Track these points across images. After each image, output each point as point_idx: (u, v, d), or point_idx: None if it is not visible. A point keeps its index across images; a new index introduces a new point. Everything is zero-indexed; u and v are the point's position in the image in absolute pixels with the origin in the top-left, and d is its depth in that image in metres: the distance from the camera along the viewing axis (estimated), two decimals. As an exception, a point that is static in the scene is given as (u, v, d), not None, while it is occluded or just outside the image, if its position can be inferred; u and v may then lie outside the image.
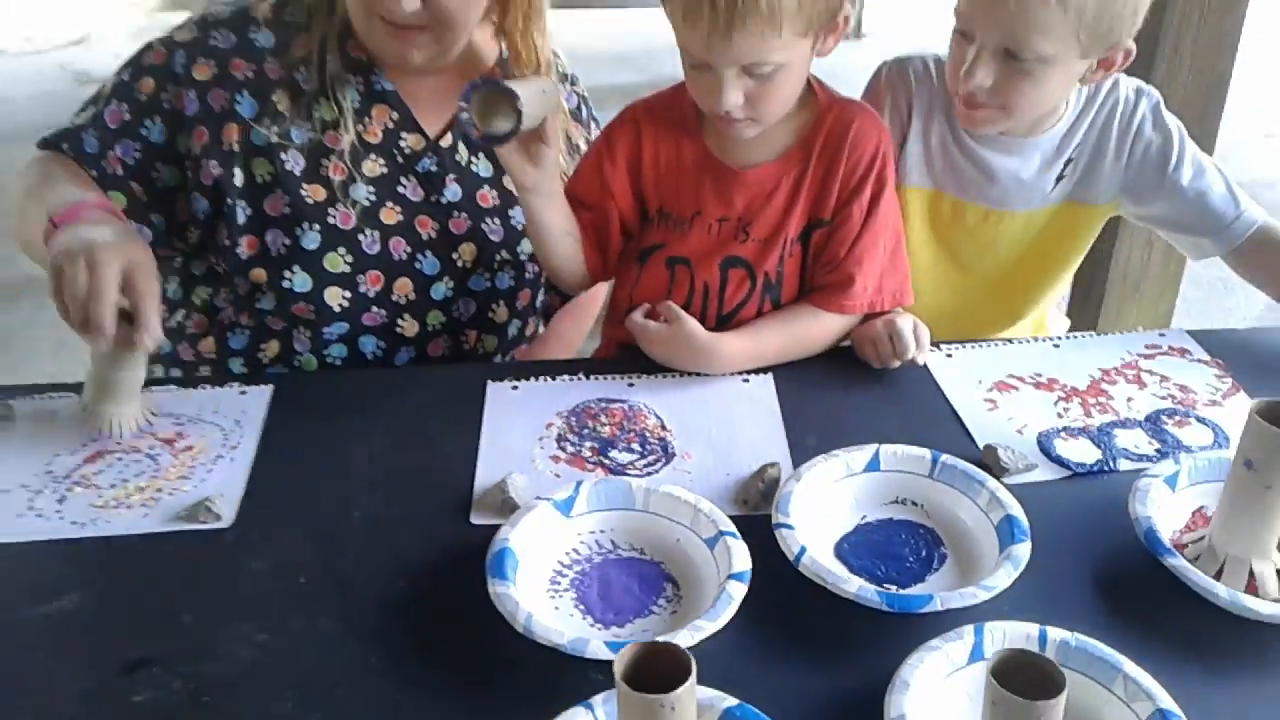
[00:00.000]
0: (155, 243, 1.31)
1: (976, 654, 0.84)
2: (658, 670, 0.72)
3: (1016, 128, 1.31)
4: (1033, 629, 0.86)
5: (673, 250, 1.28)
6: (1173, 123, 1.35)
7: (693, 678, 0.71)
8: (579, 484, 1.01)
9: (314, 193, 1.29)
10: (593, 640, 0.86)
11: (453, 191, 1.36)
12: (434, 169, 1.35)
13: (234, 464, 1.10)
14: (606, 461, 1.10)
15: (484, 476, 1.08)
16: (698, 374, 1.23)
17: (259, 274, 1.31)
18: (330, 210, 1.30)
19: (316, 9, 1.31)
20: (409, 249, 1.34)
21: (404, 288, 1.35)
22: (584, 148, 1.43)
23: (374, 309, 1.34)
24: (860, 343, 1.26)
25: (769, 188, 1.25)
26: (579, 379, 1.24)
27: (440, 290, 1.37)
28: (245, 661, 0.88)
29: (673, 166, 1.27)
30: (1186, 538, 1.00)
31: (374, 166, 1.32)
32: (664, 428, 1.15)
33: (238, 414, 1.17)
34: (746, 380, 1.22)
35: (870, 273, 1.24)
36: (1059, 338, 1.31)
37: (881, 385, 1.23)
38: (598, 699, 0.81)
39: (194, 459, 1.10)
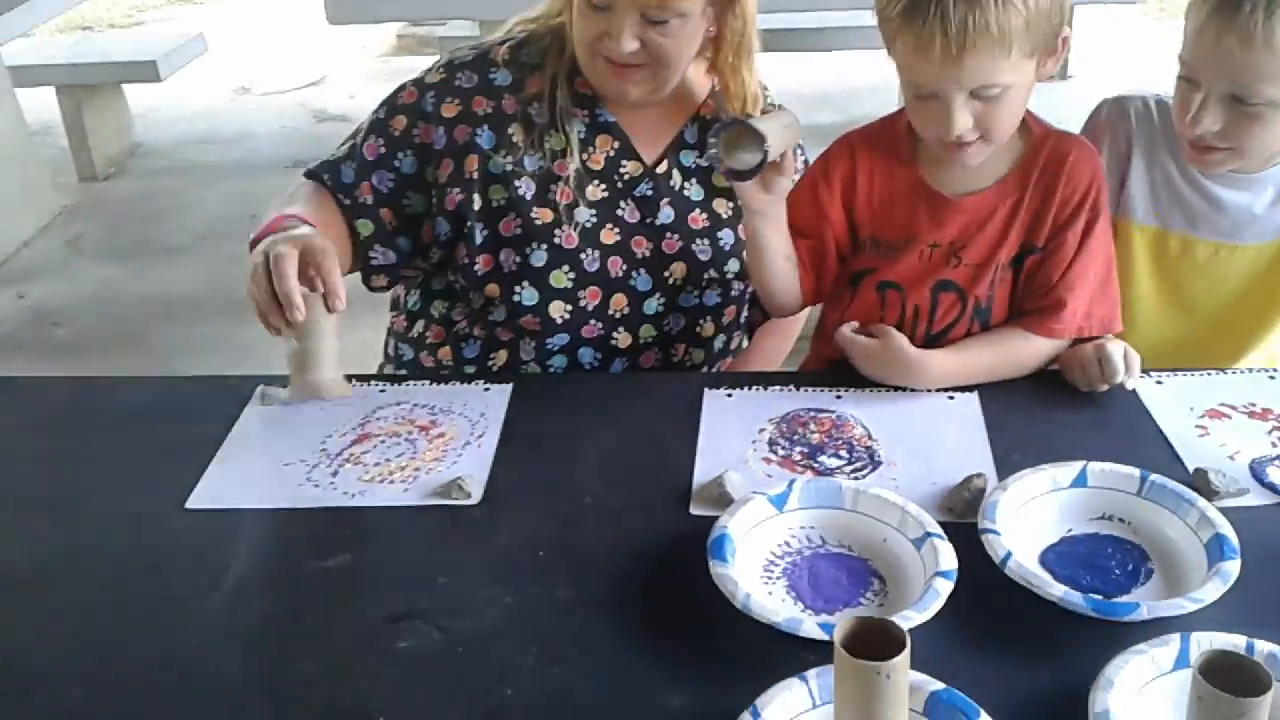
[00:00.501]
0: (400, 263, 1.47)
1: (1182, 661, 0.87)
2: (873, 645, 0.78)
3: (1247, 166, 1.32)
4: (1240, 639, 0.88)
5: (884, 275, 1.34)
6: None
7: (907, 650, 0.78)
8: (792, 481, 1.09)
9: (543, 215, 1.42)
10: (806, 621, 0.93)
11: (666, 214, 1.46)
12: (650, 193, 1.46)
13: (480, 450, 1.22)
14: (815, 465, 1.17)
15: (702, 473, 1.17)
16: (904, 389, 1.29)
17: (493, 289, 1.44)
18: (556, 231, 1.42)
19: (549, 50, 1.44)
20: (625, 267, 1.45)
21: (619, 303, 1.46)
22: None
23: (592, 322, 1.45)
24: (1069, 365, 1.29)
25: (984, 215, 1.30)
26: (789, 390, 1.31)
27: (652, 306, 1.47)
28: (493, 619, 0.99)
29: (887, 194, 1.34)
30: (1407, 569, 0.99)
31: (596, 191, 1.44)
32: (870, 438, 1.22)
33: (483, 408, 1.30)
34: (952, 397, 1.27)
35: (1081, 299, 1.28)
36: (1275, 370, 1.30)
37: (1089, 407, 1.26)
38: (811, 673, 0.88)
39: (446, 444, 1.24)
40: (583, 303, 1.44)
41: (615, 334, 1.47)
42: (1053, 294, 1.28)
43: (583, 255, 1.43)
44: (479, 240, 1.43)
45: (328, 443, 1.25)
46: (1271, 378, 1.28)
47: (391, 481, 1.18)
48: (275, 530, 1.14)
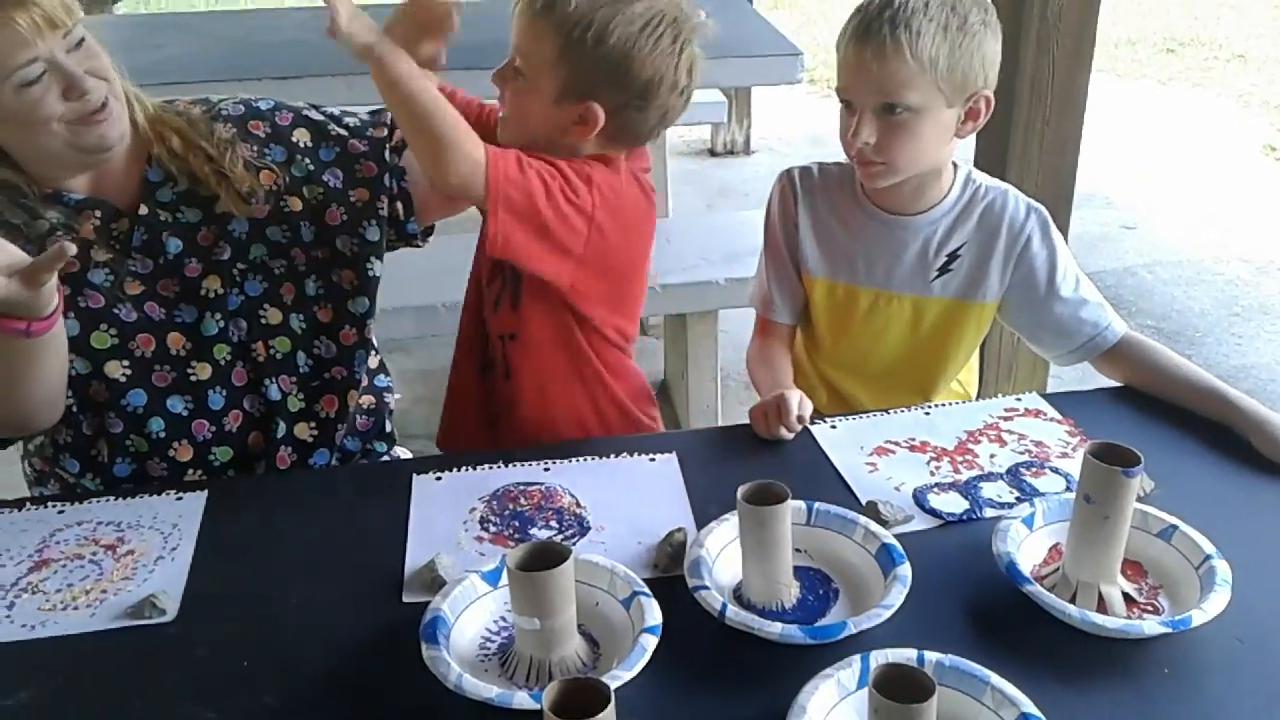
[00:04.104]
0: None
1: (864, 679, 0.95)
2: (582, 705, 0.81)
3: (906, 182, 1.47)
4: (911, 653, 0.97)
5: None
6: (1058, 239, 1.53)
7: (612, 705, 0.81)
8: (504, 556, 1.10)
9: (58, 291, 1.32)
10: (518, 694, 0.95)
11: (174, 244, 1.42)
12: (146, 237, 1.41)
13: (174, 563, 1.16)
14: (527, 538, 1.19)
15: (413, 559, 1.16)
16: (609, 456, 1.35)
17: None
18: (79, 298, 1.36)
19: None
20: (163, 310, 1.41)
21: (176, 340, 1.41)
22: None
23: (158, 368, 1.40)
24: (754, 419, 1.39)
25: None
26: (498, 467, 1.33)
27: (210, 326, 1.43)
28: (195, 740, 0.95)
29: None
30: (1044, 571, 1.12)
31: (100, 253, 1.38)
32: (579, 505, 1.26)
33: (175, 518, 1.24)
34: (653, 459, 1.34)
35: None
36: (930, 406, 1.46)
37: (774, 456, 1.35)
38: (528, 743, 0.89)
39: (135, 561, 1.17)
40: (139, 353, 1.38)
41: (190, 368, 1.42)
42: None
43: (116, 309, 1.38)
44: None
45: (0, 573, 1.15)
46: (927, 413, 1.43)
47: (76, 608, 1.10)
48: (-60, 677, 1.03)
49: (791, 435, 1.37)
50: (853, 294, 1.55)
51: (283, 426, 1.47)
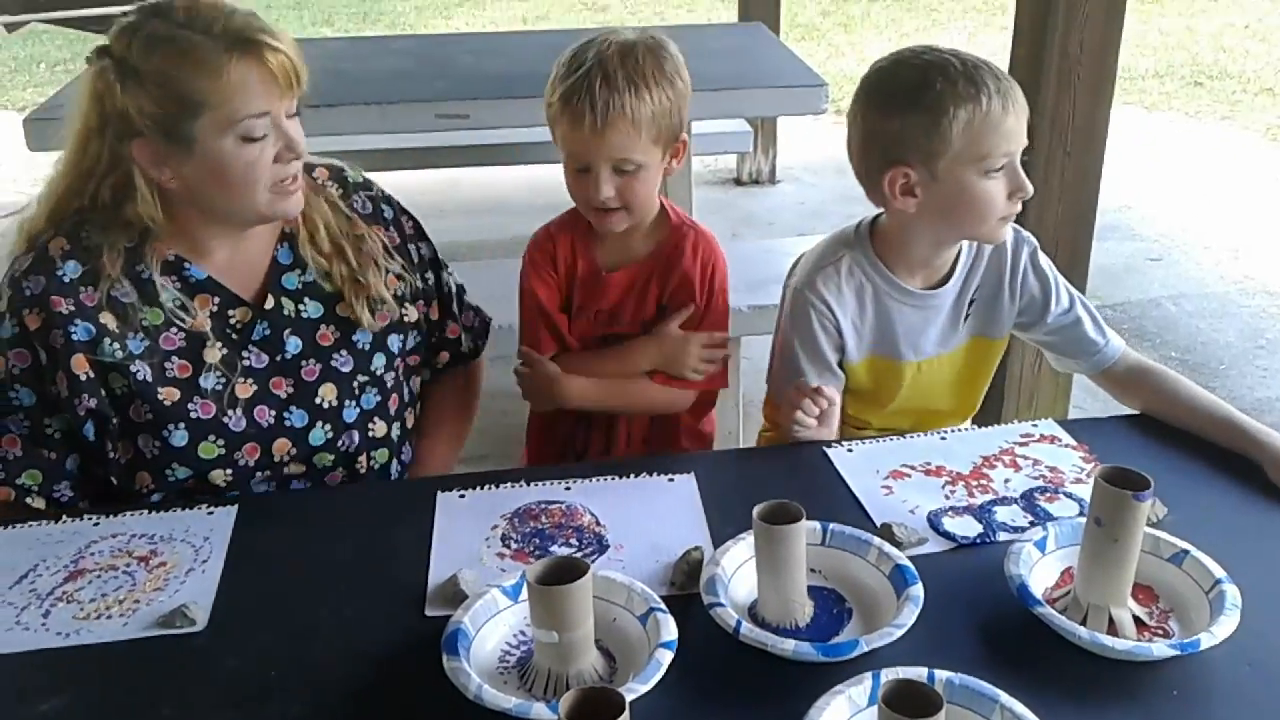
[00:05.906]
0: (76, 488, 1.38)
1: (874, 696, 0.97)
2: (597, 713, 0.83)
3: (947, 254, 1.52)
4: (922, 671, 0.98)
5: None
6: (1046, 263, 1.56)
7: (626, 714, 0.83)
8: (524, 571, 1.13)
9: (169, 395, 1.35)
10: (535, 705, 0.97)
11: (293, 344, 1.42)
12: (268, 332, 1.41)
13: (205, 575, 1.20)
14: (547, 555, 1.22)
15: (436, 574, 1.19)
16: (629, 476, 1.37)
17: (143, 477, 1.38)
18: (189, 406, 1.36)
19: (106, 224, 1.34)
20: (274, 412, 1.41)
21: (282, 447, 1.42)
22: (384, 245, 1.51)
23: (259, 473, 1.42)
24: (777, 419, 1.44)
25: (627, 286, 1.60)
26: (520, 485, 1.36)
27: (318, 436, 1.44)
28: (223, 746, 0.97)
29: (572, 269, 1.61)
30: (1056, 594, 1.14)
31: (214, 352, 1.38)
32: (599, 524, 1.28)
33: (206, 531, 1.27)
34: (672, 479, 1.36)
35: None
36: (946, 431, 1.47)
37: (790, 477, 1.38)
38: (545, 753, 0.91)
39: (167, 573, 1.20)
40: (242, 462, 1.40)
41: (287, 469, 1.44)
42: None
43: (226, 419, 1.38)
44: (116, 431, 1.36)
45: (37, 582, 1.19)
46: (943, 438, 1.45)
47: (109, 616, 1.13)
48: (-19, 680, 1.07)
49: (817, 413, 1.39)
50: (896, 369, 1.56)
51: None
